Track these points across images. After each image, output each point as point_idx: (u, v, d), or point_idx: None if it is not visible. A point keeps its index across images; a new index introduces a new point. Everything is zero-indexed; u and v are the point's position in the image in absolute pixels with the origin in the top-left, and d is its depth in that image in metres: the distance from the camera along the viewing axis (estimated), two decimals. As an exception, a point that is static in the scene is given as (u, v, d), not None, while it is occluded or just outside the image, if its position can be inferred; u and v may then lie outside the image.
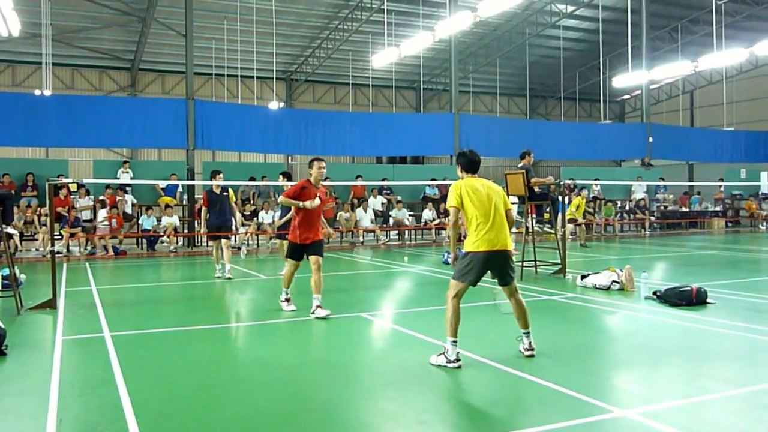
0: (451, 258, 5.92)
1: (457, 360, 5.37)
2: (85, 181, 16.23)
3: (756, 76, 33.92)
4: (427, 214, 20.49)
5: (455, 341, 5.41)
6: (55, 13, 22.64)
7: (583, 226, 18.72)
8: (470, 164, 5.90)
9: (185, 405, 4.62)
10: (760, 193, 26.50)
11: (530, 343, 5.71)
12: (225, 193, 11.84)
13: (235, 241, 18.13)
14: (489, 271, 5.63)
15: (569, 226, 12.77)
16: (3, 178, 16.91)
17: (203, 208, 11.73)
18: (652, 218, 24.07)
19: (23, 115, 17.82)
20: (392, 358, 5.96)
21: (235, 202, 13.23)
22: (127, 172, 18.57)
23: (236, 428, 4.14)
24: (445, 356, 5.40)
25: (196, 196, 19.54)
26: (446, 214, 21.04)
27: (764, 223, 25.36)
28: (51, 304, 8.41)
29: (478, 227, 5.54)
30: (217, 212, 11.64)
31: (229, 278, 11.39)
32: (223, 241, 11.70)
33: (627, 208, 24.32)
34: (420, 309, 8.27)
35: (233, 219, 12.57)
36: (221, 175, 12.03)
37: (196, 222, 12.77)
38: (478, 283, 5.59)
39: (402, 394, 4.88)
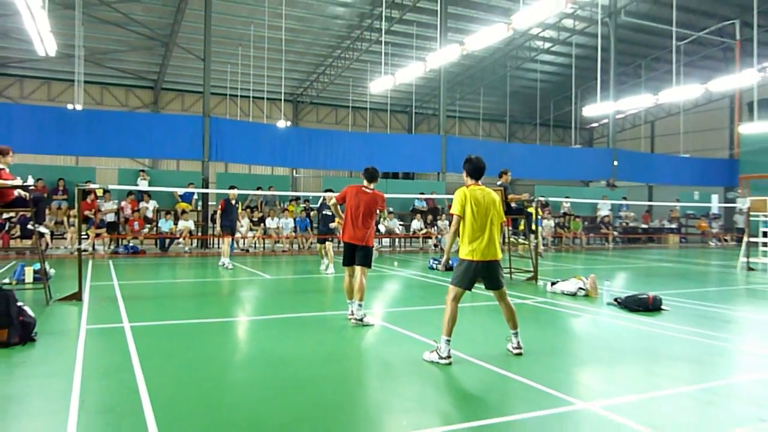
0: (442, 263, 5.91)
1: (448, 357, 5.32)
2: (110, 186, 16.21)
3: (710, 110, 34.21)
4: (416, 224, 20.52)
5: (449, 340, 5.36)
6: (87, 36, 22.65)
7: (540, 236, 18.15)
8: (476, 171, 5.72)
9: (196, 390, 4.61)
10: (710, 213, 26.70)
11: (518, 342, 5.69)
12: (236, 204, 13.92)
13: (244, 243, 18.15)
14: (480, 278, 5.60)
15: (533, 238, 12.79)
16: (37, 182, 16.75)
17: (218, 212, 13.73)
18: (615, 233, 24.16)
19: (57, 127, 17.90)
20: (382, 354, 5.97)
21: (242, 211, 16.06)
22: (145, 180, 18.55)
23: (241, 413, 4.15)
24: (438, 353, 5.35)
25: (209, 203, 19.59)
26: (432, 224, 21.19)
27: (714, 240, 25.52)
28: (77, 297, 8.38)
29: (474, 238, 5.47)
30: (231, 218, 13.62)
31: (228, 268, 12.98)
32: (227, 239, 13.72)
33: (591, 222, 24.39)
34: (407, 309, 8.27)
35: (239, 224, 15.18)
36: (236, 190, 14.07)
37: (216, 219, 13.99)
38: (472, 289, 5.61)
39: (390, 385, 4.90)
